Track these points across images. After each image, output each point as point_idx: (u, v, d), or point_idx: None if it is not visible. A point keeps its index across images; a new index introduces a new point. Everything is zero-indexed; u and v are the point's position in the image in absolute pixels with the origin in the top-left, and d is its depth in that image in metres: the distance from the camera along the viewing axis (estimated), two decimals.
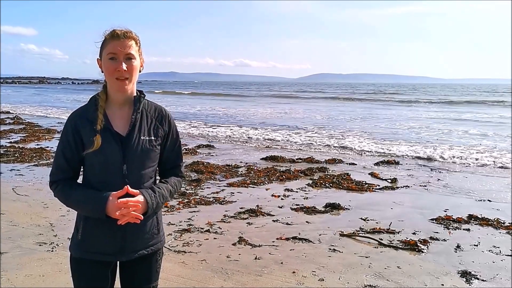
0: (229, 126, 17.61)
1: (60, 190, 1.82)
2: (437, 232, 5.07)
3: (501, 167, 9.40)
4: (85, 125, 1.81)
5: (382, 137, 14.26)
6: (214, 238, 4.80)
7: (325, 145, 12.57)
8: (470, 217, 5.62)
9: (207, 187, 7.21)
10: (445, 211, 5.93)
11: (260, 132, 15.47)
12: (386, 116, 23.80)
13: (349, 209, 6.05)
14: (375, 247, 4.61)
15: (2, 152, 10.07)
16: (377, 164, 9.68)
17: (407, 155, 10.95)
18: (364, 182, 7.67)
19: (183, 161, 2.09)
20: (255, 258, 4.23)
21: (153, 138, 1.88)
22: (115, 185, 1.77)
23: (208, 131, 15.71)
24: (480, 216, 5.62)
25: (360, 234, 4.96)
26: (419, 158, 10.58)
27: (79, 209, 1.84)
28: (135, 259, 1.91)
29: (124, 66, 1.78)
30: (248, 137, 14.26)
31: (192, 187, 7.15)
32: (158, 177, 2.02)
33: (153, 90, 62.36)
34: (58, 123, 17.77)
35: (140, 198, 1.76)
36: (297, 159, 10.05)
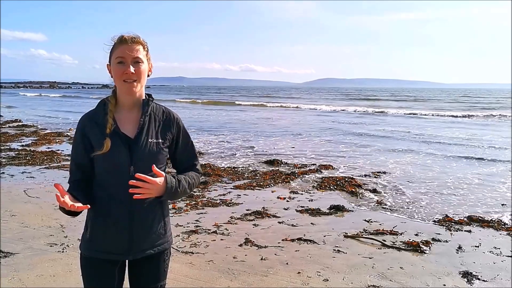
0: (235, 132, 17.69)
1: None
2: (439, 234, 5.14)
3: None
4: (94, 128, 1.86)
5: None
6: (221, 239, 4.88)
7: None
8: (471, 218, 5.68)
9: (214, 190, 7.31)
10: (447, 213, 5.99)
11: (264, 137, 15.54)
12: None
13: (353, 211, 6.13)
14: (378, 248, 4.68)
15: (14, 155, 10.25)
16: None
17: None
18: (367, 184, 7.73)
19: (198, 159, 2.13)
20: (261, 259, 4.31)
21: (160, 140, 1.91)
22: (122, 186, 1.82)
23: (213, 136, 15.79)
24: (481, 218, 5.69)
25: (363, 236, 5.04)
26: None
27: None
28: (142, 258, 1.94)
29: (132, 69, 1.82)
30: (253, 144, 14.33)
31: (200, 189, 7.23)
32: None
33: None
34: (68, 123, 18.01)
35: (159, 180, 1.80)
36: (301, 165, 10.13)
